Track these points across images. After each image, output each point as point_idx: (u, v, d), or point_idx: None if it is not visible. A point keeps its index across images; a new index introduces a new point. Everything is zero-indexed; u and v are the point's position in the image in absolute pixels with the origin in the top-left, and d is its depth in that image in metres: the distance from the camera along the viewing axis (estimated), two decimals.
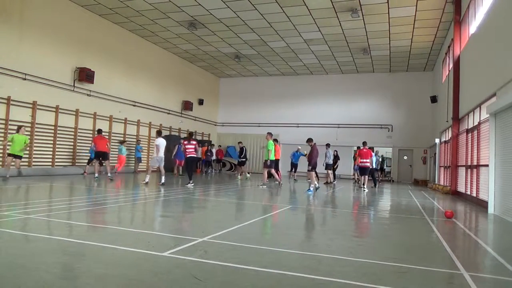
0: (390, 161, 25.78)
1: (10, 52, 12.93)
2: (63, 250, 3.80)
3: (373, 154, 16.07)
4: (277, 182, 13.87)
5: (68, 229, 4.86)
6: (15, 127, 12.04)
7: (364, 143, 15.31)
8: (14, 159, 11.52)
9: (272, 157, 13.21)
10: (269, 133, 13.64)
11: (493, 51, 9.57)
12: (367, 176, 14.78)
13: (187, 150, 12.25)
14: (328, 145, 17.24)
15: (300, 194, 11.56)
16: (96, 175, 12.84)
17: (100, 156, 12.89)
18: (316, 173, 12.87)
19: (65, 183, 11.15)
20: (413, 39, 17.75)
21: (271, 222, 6.38)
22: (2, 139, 12.48)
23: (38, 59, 13.87)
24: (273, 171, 13.44)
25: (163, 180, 11.59)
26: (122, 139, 17.95)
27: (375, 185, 16.07)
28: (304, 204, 9.17)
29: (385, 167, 26.35)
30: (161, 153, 11.91)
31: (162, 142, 11.95)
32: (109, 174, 12.93)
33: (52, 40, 14.47)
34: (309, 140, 12.78)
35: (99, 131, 13.53)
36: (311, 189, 11.72)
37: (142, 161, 18.98)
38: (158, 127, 20.94)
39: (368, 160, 14.75)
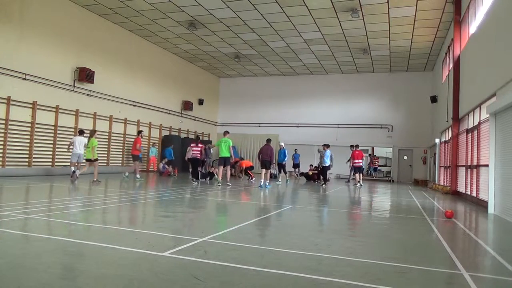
0: (390, 161, 25.75)
1: (10, 52, 12.92)
2: (63, 250, 3.80)
3: (327, 149, 15.96)
4: (219, 182, 13.07)
5: (68, 229, 4.86)
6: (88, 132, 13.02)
7: (357, 146, 17.36)
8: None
9: (222, 154, 13.13)
10: (226, 132, 13.68)
11: (493, 51, 9.56)
12: (361, 174, 16.85)
13: (193, 152, 13.37)
14: (327, 146, 17.29)
15: (296, 194, 11.55)
16: (138, 175, 14.20)
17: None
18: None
19: (65, 183, 11.15)
20: (413, 39, 17.75)
21: (270, 222, 6.38)
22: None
23: (38, 59, 13.86)
24: (217, 169, 13.52)
25: (77, 174, 11.97)
26: (153, 142, 19.83)
27: (324, 182, 15.87)
28: (302, 204, 9.16)
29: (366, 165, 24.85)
30: (77, 150, 12.60)
31: (76, 139, 12.75)
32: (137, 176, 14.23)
33: (52, 40, 14.46)
34: (267, 140, 14.38)
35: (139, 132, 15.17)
36: (261, 183, 12.92)
37: (142, 161, 18.98)
38: (158, 127, 20.97)
39: (360, 161, 16.63)
